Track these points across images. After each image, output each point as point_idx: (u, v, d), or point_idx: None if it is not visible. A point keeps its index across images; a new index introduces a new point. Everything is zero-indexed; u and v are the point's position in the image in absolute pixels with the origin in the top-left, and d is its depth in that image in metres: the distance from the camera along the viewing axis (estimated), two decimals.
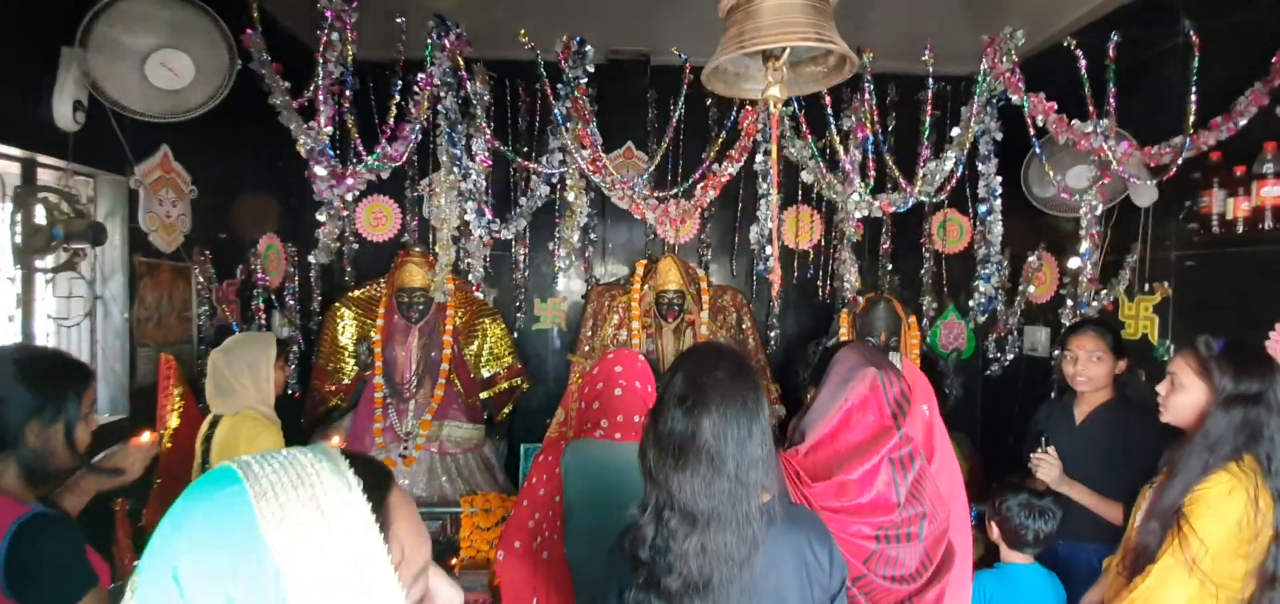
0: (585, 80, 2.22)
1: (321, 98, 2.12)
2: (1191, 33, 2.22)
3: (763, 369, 3.48)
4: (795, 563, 1.17)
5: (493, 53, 3.01)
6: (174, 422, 2.45)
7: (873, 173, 2.42)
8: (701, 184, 2.32)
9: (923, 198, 2.43)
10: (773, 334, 4.00)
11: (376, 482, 0.59)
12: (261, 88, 2.27)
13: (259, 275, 3.24)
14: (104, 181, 2.41)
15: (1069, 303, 3.27)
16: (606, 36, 3.66)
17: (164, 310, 2.64)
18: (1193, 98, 2.22)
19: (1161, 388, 1.67)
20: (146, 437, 1.81)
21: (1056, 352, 3.42)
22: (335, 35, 2.15)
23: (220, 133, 2.67)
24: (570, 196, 2.51)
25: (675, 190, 2.40)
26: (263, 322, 3.23)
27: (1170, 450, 1.65)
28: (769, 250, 2.40)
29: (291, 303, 3.55)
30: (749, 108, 2.25)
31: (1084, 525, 2.00)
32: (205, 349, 2.85)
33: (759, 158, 2.35)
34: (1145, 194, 2.67)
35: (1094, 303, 2.97)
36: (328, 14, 2.14)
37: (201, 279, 2.84)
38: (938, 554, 1.44)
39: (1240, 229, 2.14)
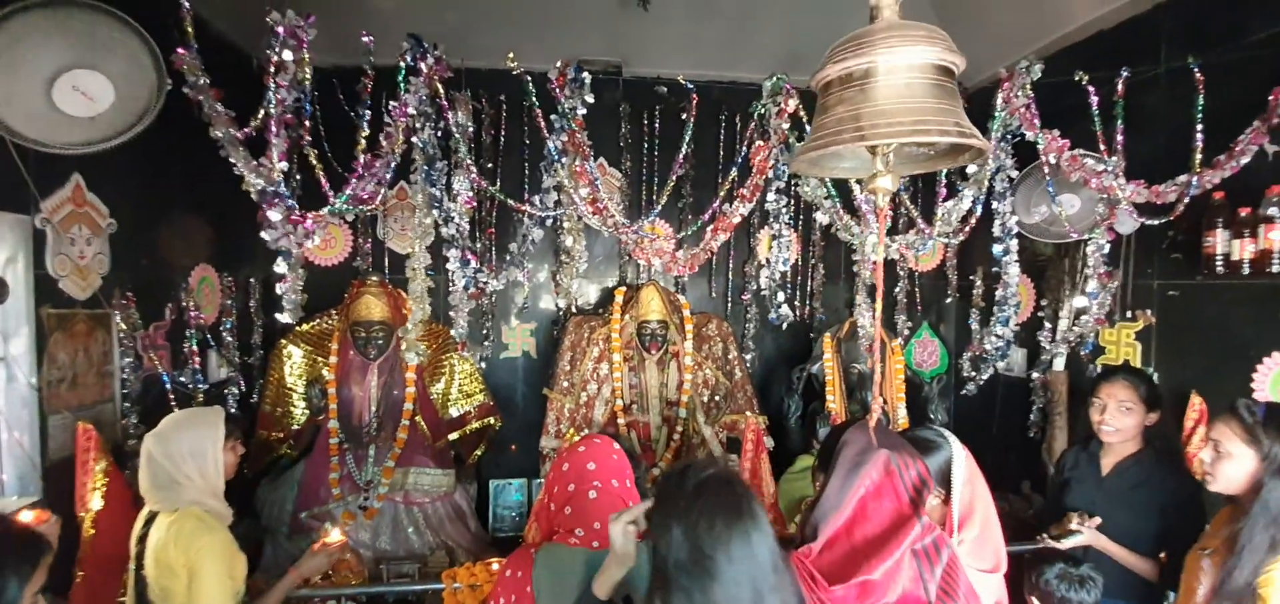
0: (583, 111, 1.99)
1: (273, 130, 1.81)
2: (1196, 70, 2.20)
3: (750, 400, 3.34)
4: None
5: (453, 61, 2.75)
6: (96, 503, 2.08)
7: (889, 212, 2.30)
8: (711, 226, 2.14)
9: (941, 239, 2.33)
10: (750, 356, 3.89)
11: None
12: (186, 94, 1.94)
13: (192, 313, 2.86)
14: (2, 222, 2.02)
15: (1047, 326, 3.29)
16: (575, 46, 3.44)
17: (79, 368, 2.26)
18: (1198, 135, 2.20)
19: (1205, 455, 1.62)
20: None
21: (1035, 375, 3.45)
22: (288, 54, 1.84)
23: (142, 154, 2.28)
24: (568, 241, 2.28)
25: (682, 233, 2.20)
26: (197, 365, 2.85)
27: (1223, 522, 1.60)
28: (784, 308, 2.24)
29: (230, 340, 3.16)
30: (761, 142, 2.08)
31: (1112, 582, 1.95)
32: (130, 408, 2.48)
33: (771, 197, 2.19)
34: (1128, 221, 2.68)
35: (1075, 330, 2.97)
36: (279, 30, 1.82)
37: (124, 326, 2.45)
38: None
39: (1246, 271, 2.13)
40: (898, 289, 4.01)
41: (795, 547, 1.39)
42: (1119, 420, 2.04)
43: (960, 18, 3.35)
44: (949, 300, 4.07)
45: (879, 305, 1.11)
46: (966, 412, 3.93)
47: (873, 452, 1.36)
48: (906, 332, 4.03)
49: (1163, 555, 1.94)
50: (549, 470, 2.67)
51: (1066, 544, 1.93)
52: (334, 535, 2.02)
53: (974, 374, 3.53)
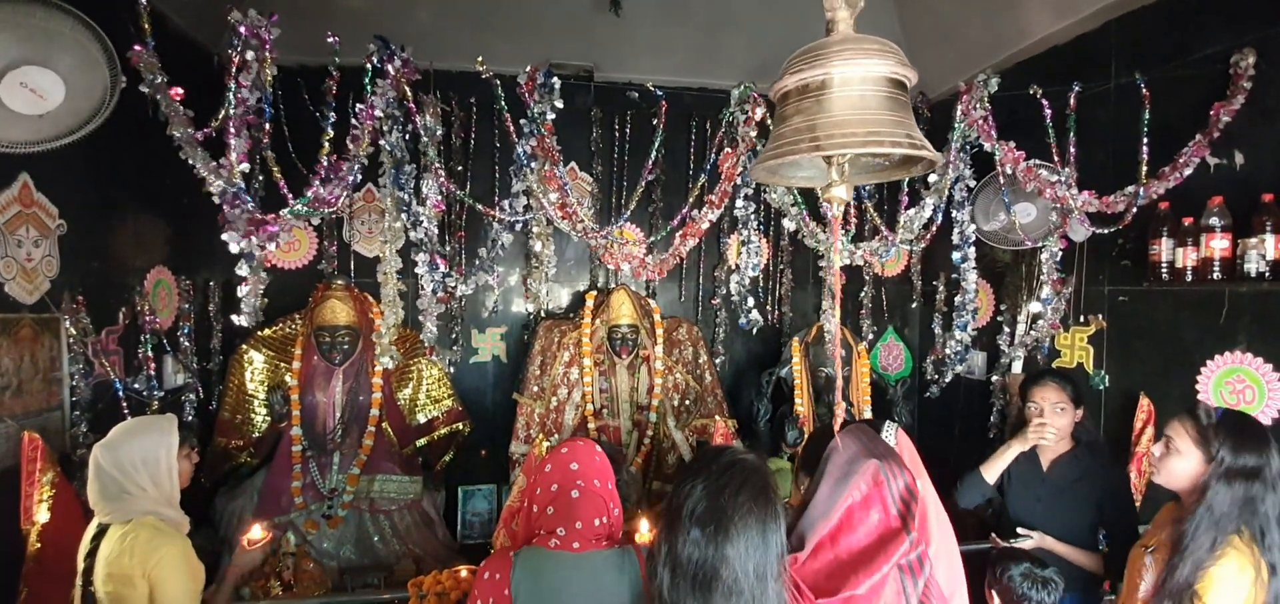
0: (552, 116, 1.99)
1: (233, 130, 1.76)
2: (1143, 86, 2.30)
3: (720, 405, 3.36)
4: None
5: (421, 62, 2.72)
6: (43, 516, 2.01)
7: (855, 220, 2.35)
8: (680, 232, 2.15)
9: (903, 245, 2.38)
10: (720, 360, 3.92)
11: None
12: (141, 92, 1.88)
13: (147, 317, 2.76)
14: None
15: (1006, 330, 3.40)
16: (547, 49, 3.43)
17: (25, 374, 2.16)
18: (1145, 147, 2.30)
19: (1156, 449, 1.69)
20: None
21: (994, 377, 3.55)
22: (250, 55, 1.80)
23: (94, 152, 2.21)
24: (537, 246, 2.26)
25: (653, 238, 2.21)
26: (151, 371, 2.76)
27: (1166, 520, 1.67)
28: (753, 313, 2.26)
29: (186, 345, 3.06)
30: (729, 149, 2.11)
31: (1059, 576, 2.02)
32: (80, 416, 2.38)
33: (739, 203, 2.21)
34: (1080, 229, 2.78)
35: (1032, 334, 3.07)
36: (241, 30, 1.78)
37: (73, 330, 2.36)
38: None
39: (1189, 278, 2.23)
40: (863, 294, 4.09)
41: None
42: (1056, 421, 2.13)
43: (922, 33, 3.45)
44: (913, 305, 4.16)
45: (838, 312, 1.14)
46: (930, 413, 4.03)
47: (863, 460, 1.35)
48: (872, 335, 4.11)
49: (1104, 546, 2.03)
50: (520, 475, 2.66)
51: (1019, 545, 2.00)
52: (255, 532, 2.01)
53: (936, 377, 3.62)
